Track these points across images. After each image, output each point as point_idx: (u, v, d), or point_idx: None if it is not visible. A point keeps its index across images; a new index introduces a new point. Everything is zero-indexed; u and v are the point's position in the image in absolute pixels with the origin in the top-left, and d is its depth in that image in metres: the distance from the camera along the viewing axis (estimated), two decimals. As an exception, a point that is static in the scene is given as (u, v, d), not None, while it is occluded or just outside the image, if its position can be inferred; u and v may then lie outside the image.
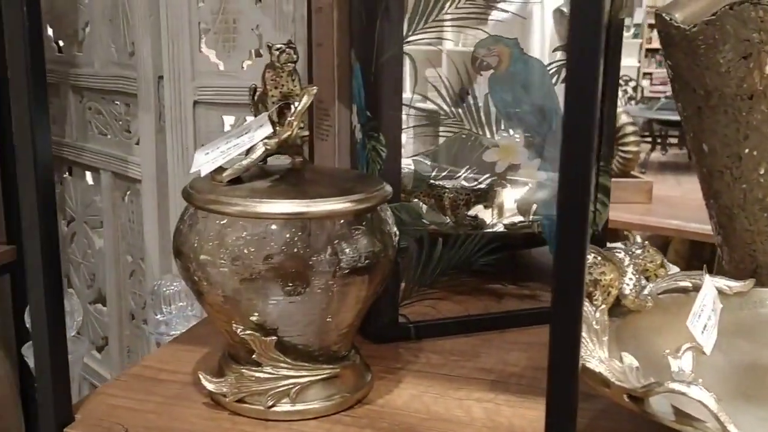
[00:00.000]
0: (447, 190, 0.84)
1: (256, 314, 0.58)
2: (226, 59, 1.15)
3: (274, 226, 0.56)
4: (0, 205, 1.36)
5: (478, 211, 0.84)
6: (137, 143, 1.24)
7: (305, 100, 0.58)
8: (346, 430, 0.58)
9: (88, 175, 1.41)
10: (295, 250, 0.56)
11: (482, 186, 0.83)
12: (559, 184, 0.42)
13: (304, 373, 0.59)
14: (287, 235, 0.56)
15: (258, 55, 1.16)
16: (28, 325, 1.00)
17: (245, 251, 0.56)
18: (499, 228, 0.84)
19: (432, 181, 0.81)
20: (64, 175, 1.47)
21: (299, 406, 0.59)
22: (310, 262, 0.56)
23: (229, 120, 1.17)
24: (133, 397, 0.63)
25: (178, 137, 1.16)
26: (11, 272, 1.31)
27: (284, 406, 0.59)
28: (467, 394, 0.64)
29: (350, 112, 0.76)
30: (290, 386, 0.59)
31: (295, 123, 0.58)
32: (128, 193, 1.30)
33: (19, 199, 0.55)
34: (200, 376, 0.61)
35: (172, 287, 1.06)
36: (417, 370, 0.68)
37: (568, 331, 0.44)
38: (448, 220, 0.83)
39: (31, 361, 1.00)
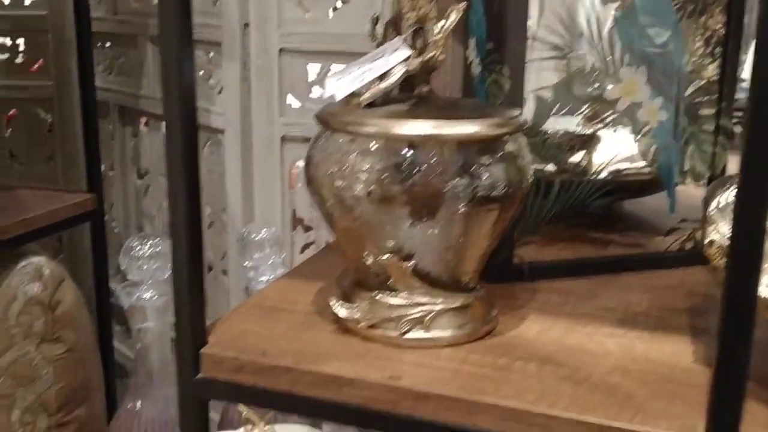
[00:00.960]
0: (549, 136, 0.82)
1: (392, 240, 0.57)
2: (312, 6, 1.14)
3: (411, 151, 0.55)
4: (82, 156, 1.38)
5: (584, 156, 0.82)
6: (219, 92, 1.24)
7: (453, 17, 0.56)
8: (481, 358, 0.57)
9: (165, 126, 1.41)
10: (433, 174, 0.55)
11: (587, 131, 0.81)
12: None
13: (439, 299, 0.58)
14: (425, 159, 0.55)
15: (344, 1, 1.14)
16: (123, 267, 1.01)
17: (382, 175, 0.55)
18: (605, 174, 0.82)
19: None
20: (141, 128, 1.48)
21: (432, 333, 0.58)
22: (447, 187, 0.55)
23: (314, 68, 1.16)
24: (260, 323, 0.63)
25: (263, 86, 1.16)
26: (92, 220, 1.33)
27: (418, 333, 0.58)
28: (596, 329, 0.63)
29: (464, 48, 0.75)
30: (424, 313, 0.58)
31: (441, 42, 0.56)
32: (208, 143, 1.30)
33: (166, 142, 0.55)
34: (331, 302, 0.60)
35: (261, 234, 1.06)
36: (538, 308, 0.67)
37: (748, 261, 0.42)
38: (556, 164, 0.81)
39: (126, 302, 1.01)
